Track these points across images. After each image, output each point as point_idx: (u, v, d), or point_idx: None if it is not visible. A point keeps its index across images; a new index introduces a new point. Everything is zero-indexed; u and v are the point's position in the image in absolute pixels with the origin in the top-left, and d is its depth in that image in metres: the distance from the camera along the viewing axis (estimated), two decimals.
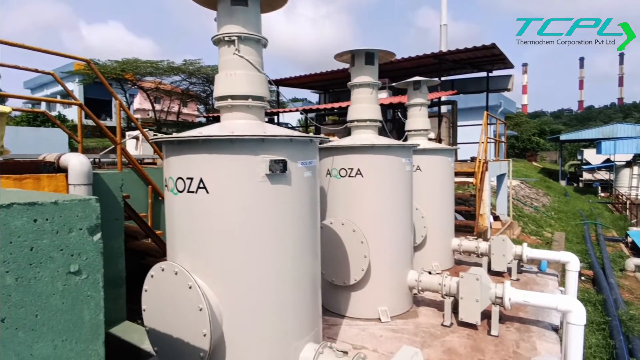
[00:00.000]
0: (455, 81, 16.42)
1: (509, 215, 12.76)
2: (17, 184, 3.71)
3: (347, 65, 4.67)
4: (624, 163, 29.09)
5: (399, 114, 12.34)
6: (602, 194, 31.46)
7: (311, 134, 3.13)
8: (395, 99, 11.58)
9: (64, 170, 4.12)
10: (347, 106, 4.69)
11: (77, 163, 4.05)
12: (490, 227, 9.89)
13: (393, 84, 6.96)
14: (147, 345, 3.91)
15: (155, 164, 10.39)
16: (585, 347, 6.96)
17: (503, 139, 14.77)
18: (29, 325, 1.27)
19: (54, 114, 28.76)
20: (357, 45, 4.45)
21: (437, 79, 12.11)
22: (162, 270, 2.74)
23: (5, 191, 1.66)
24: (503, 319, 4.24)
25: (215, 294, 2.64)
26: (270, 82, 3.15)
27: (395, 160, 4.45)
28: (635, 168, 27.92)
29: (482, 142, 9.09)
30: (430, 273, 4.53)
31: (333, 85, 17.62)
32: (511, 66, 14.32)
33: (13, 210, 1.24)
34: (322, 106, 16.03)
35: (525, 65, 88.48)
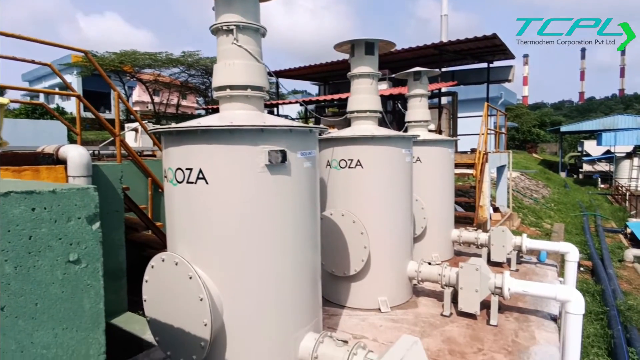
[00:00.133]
0: (455, 72, 16.33)
1: (508, 206, 12.78)
2: (16, 176, 3.70)
3: (346, 56, 4.62)
4: (624, 154, 29.10)
5: (399, 105, 12.30)
6: (602, 186, 31.53)
7: (311, 125, 3.12)
8: (396, 90, 11.53)
9: (63, 162, 4.09)
10: (347, 98, 4.66)
11: (76, 155, 4.03)
12: (490, 218, 9.91)
13: (393, 75, 6.91)
14: (148, 336, 3.93)
15: (154, 156, 10.39)
16: (584, 336, 7.02)
17: (503, 130, 14.73)
18: (28, 314, 1.27)
19: (52, 106, 28.67)
20: (357, 36, 4.40)
21: (437, 69, 12.02)
22: (163, 260, 2.74)
23: (3, 181, 1.65)
24: (502, 308, 4.26)
25: (216, 284, 2.65)
26: (270, 74, 3.12)
27: (395, 151, 4.44)
28: (636, 159, 27.93)
29: (483, 134, 9.07)
30: (430, 264, 4.54)
31: (333, 77, 17.52)
32: (512, 57, 14.23)
33: (10, 198, 1.23)
34: (321, 98, 15.95)
35: (526, 56, 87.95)
